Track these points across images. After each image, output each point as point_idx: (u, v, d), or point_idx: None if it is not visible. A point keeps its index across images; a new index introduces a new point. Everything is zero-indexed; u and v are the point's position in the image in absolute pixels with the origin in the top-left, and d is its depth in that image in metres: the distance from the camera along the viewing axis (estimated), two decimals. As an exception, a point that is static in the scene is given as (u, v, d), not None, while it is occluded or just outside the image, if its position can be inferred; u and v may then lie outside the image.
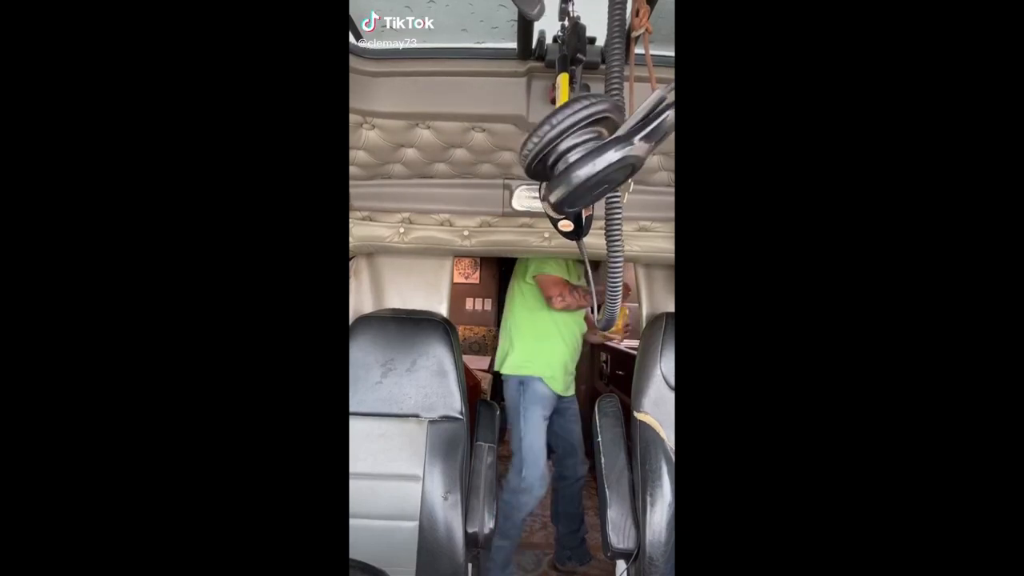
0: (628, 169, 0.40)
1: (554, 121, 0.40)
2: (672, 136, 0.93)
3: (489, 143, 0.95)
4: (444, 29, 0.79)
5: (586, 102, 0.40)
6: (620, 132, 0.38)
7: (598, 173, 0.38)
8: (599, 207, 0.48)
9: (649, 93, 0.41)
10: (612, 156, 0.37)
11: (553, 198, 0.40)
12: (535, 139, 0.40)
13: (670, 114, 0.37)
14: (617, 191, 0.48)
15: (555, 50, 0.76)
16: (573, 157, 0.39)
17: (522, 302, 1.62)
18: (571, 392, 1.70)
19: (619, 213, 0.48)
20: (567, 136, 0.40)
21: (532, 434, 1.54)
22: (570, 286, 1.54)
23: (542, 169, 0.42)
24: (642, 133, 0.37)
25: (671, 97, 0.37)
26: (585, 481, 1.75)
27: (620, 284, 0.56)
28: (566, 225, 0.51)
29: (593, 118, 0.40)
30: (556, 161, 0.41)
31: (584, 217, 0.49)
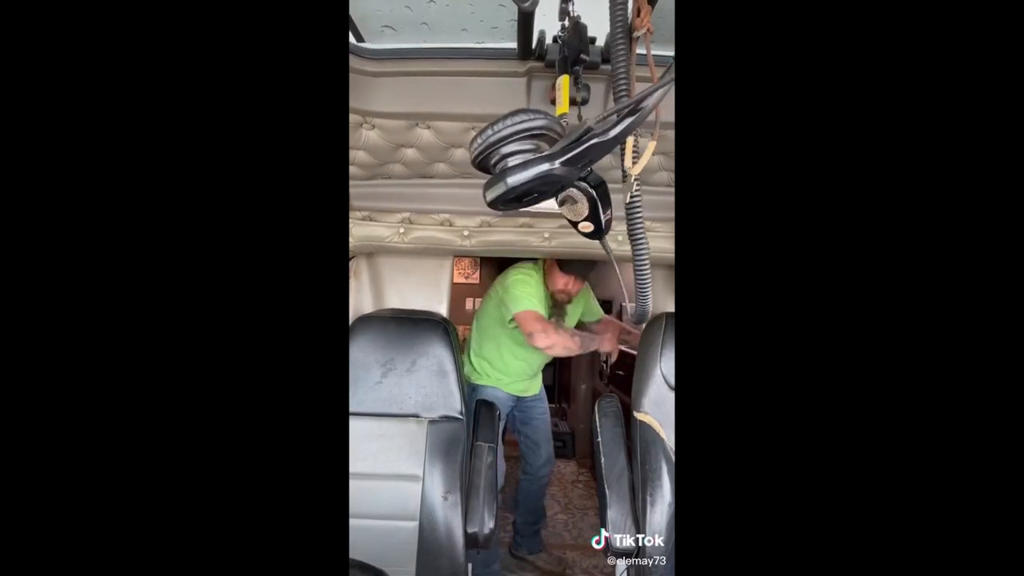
0: (556, 185, 0.44)
1: (496, 127, 0.45)
2: (672, 136, 0.93)
3: None
4: (444, 29, 0.79)
5: (526, 116, 0.45)
6: (550, 151, 0.42)
7: (524, 183, 0.42)
8: (620, 209, 0.51)
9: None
10: (535, 171, 0.42)
11: (489, 196, 0.45)
12: (479, 139, 0.45)
13: (594, 143, 0.41)
14: (638, 195, 0.52)
15: (555, 50, 0.76)
16: (510, 163, 0.44)
17: (488, 313, 1.65)
18: (532, 392, 1.72)
19: (640, 213, 0.52)
20: (508, 142, 0.45)
21: None
22: (554, 324, 1.49)
23: (485, 167, 0.47)
24: (563, 158, 0.41)
25: (599, 127, 0.41)
26: (548, 481, 1.78)
27: (648, 280, 0.58)
28: (586, 227, 0.54)
29: (533, 132, 0.45)
30: (497, 162, 0.45)
31: (604, 221, 0.52)
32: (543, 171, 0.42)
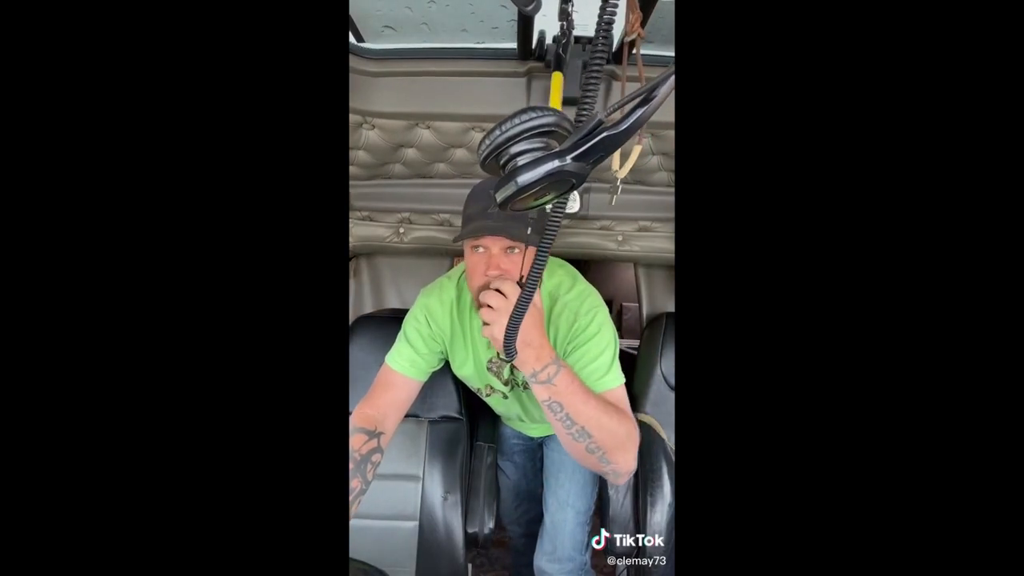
0: (568, 183, 0.44)
1: (504, 127, 0.44)
2: (672, 136, 0.93)
3: None
4: (444, 29, 0.79)
5: (534, 113, 0.44)
6: (560, 148, 0.42)
7: (535, 182, 0.42)
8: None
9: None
10: (546, 168, 0.41)
11: (499, 197, 0.44)
12: (487, 141, 0.45)
13: (606, 136, 0.41)
14: (562, 209, 0.52)
15: (555, 50, 0.76)
16: (520, 162, 0.44)
17: None
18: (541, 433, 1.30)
19: (557, 225, 0.53)
20: (517, 141, 0.44)
21: None
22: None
23: (495, 167, 0.47)
24: (575, 153, 0.41)
25: (609, 120, 0.41)
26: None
27: (528, 304, 0.58)
28: None
29: (542, 129, 0.44)
30: (507, 162, 0.45)
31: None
32: (554, 168, 0.41)
